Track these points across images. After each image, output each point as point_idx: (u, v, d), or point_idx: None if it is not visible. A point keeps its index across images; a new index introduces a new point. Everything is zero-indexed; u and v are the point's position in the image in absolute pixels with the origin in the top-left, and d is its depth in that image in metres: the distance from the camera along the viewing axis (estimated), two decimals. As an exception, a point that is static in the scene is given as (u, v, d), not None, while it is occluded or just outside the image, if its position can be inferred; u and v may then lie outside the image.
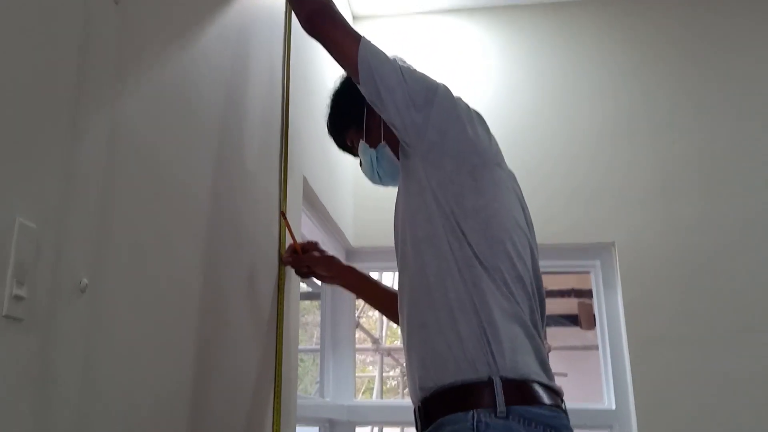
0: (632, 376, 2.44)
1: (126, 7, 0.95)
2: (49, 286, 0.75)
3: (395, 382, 9.29)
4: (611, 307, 2.61)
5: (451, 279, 1.19)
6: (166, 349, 1.05)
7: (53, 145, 0.77)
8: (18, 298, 0.69)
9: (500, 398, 1.09)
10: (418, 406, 1.21)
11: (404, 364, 1.32)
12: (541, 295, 1.29)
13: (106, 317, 0.88)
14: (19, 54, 0.72)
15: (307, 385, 4.49)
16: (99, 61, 0.87)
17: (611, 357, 2.56)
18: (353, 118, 1.51)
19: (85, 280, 0.82)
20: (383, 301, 1.68)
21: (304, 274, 1.71)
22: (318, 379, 3.05)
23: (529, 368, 1.14)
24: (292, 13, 1.75)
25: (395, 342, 8.06)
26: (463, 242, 1.21)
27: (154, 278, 1.02)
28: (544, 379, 1.15)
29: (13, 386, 0.68)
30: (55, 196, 0.77)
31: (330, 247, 2.60)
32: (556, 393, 1.16)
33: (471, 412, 1.09)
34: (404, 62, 1.40)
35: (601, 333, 2.63)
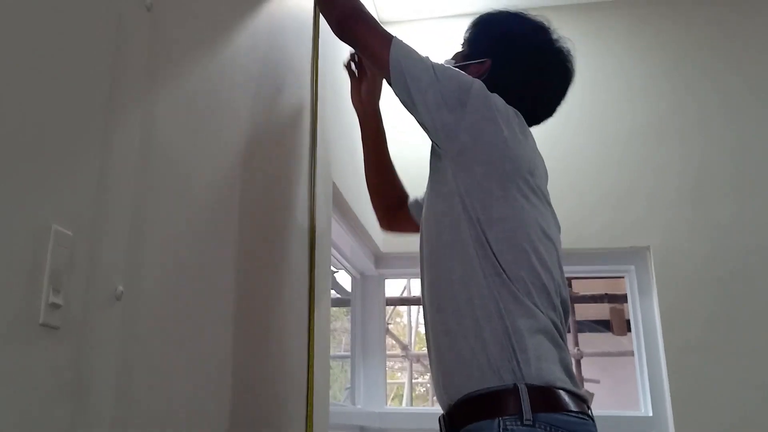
0: (669, 383, 2.39)
1: (158, 14, 0.95)
2: (84, 294, 0.75)
3: (424, 389, 9.25)
4: (647, 313, 2.56)
5: (477, 286, 1.17)
6: (199, 356, 1.05)
7: (87, 153, 0.77)
8: (54, 306, 0.69)
9: (526, 406, 1.06)
10: (443, 414, 1.19)
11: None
12: (565, 304, 1.25)
13: (141, 324, 0.87)
14: (54, 62, 0.72)
15: (336, 391, 4.48)
16: (131, 67, 0.87)
17: (647, 363, 2.51)
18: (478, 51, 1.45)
19: (120, 287, 0.82)
20: (378, 168, 1.66)
21: (354, 72, 1.64)
22: (347, 386, 3.04)
23: (554, 375, 1.11)
24: (321, 17, 1.75)
25: (423, 348, 8.03)
26: (487, 250, 1.18)
27: (188, 285, 1.02)
28: (570, 386, 1.12)
29: (50, 394, 0.68)
30: (89, 203, 0.77)
31: (360, 253, 2.59)
32: (582, 400, 1.14)
33: (497, 420, 1.07)
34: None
35: (636, 339, 2.57)
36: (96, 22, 0.80)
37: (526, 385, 1.08)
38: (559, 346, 1.16)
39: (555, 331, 1.17)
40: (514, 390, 1.08)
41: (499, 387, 1.10)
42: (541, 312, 1.16)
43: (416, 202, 1.60)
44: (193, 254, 1.05)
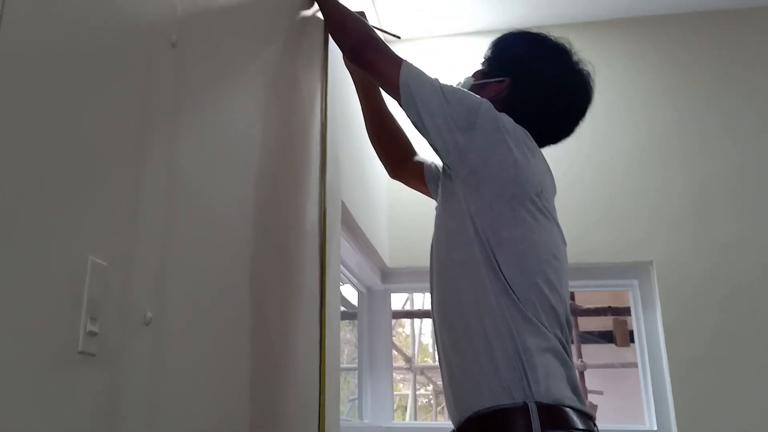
0: (673, 397, 2.41)
1: (181, 50, 0.99)
2: (117, 321, 0.79)
3: (426, 400, 9.25)
4: (650, 327, 2.59)
5: (487, 306, 1.19)
6: (220, 375, 1.08)
7: (119, 187, 0.81)
8: (91, 334, 0.73)
9: (536, 424, 1.09)
10: (453, 430, 1.22)
11: (437, 383, 1.32)
12: (570, 322, 1.28)
13: (169, 348, 0.91)
14: (86, 101, 0.76)
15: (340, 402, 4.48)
16: (158, 102, 0.91)
17: (651, 377, 2.54)
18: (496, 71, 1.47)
19: (149, 314, 0.85)
20: (376, 120, 1.68)
21: None
22: (350, 397, 3.06)
23: (563, 393, 1.14)
24: (330, 43, 1.80)
25: (426, 359, 8.03)
26: (497, 271, 1.20)
27: (209, 306, 1.05)
28: (577, 404, 1.15)
29: (88, 421, 0.72)
30: (122, 234, 0.81)
31: (366, 268, 2.63)
32: (588, 417, 1.17)
33: None
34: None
35: (640, 353, 2.60)
36: (124, 61, 0.84)
37: (536, 403, 1.11)
38: (567, 364, 1.19)
39: (562, 350, 1.19)
40: (524, 408, 1.11)
41: (509, 405, 1.12)
42: (550, 331, 1.19)
43: (432, 167, 1.62)
44: (214, 276, 1.08)
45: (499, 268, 1.20)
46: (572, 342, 1.30)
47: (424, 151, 1.68)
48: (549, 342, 1.18)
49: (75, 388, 0.70)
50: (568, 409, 1.13)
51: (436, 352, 1.45)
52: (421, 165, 1.66)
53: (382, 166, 1.74)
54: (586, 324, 6.13)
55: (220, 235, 1.12)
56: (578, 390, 1.19)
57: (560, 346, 1.19)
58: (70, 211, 0.72)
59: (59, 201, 0.70)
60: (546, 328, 1.18)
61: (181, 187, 0.98)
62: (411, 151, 1.70)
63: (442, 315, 1.28)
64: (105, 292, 0.76)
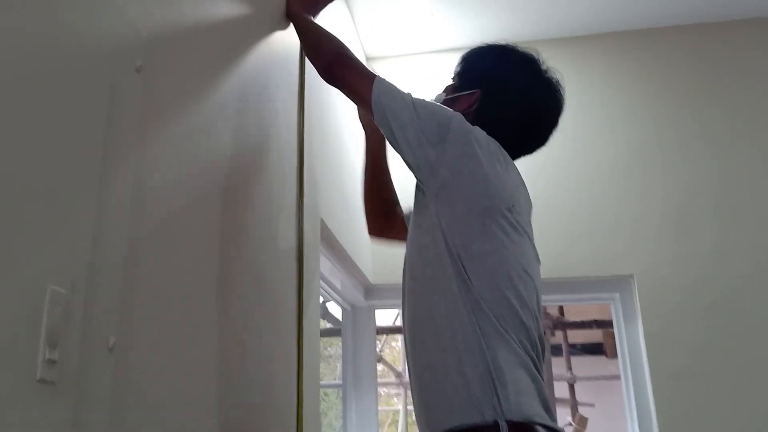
0: (656, 409, 2.42)
1: (147, 74, 0.99)
2: (78, 348, 0.78)
3: (419, 415, 9.20)
4: (632, 340, 2.60)
5: (459, 322, 1.19)
6: (191, 402, 1.08)
7: (81, 212, 0.81)
8: (50, 362, 0.73)
9: None
10: None
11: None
12: (542, 339, 1.28)
13: (134, 374, 0.91)
14: (49, 126, 0.76)
15: (332, 419, 4.48)
16: (123, 128, 0.91)
17: (634, 389, 2.55)
18: (467, 83, 1.51)
19: (112, 339, 0.85)
20: (374, 174, 1.71)
21: None
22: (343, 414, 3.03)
23: (533, 410, 1.14)
24: (306, 62, 1.81)
25: (418, 374, 7.96)
26: (468, 285, 1.20)
27: (178, 327, 1.05)
28: (548, 421, 1.15)
29: (47, 447, 0.71)
30: (84, 261, 0.80)
31: (349, 285, 2.63)
32: None
33: None
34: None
35: (623, 365, 2.62)
36: (88, 86, 0.84)
37: (507, 421, 1.11)
38: (537, 380, 1.19)
39: (533, 366, 1.19)
40: (495, 426, 1.11)
41: (480, 423, 1.12)
42: (521, 348, 1.19)
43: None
44: (182, 300, 1.08)
45: (470, 283, 1.20)
46: (545, 357, 1.29)
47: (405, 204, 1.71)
48: (519, 358, 1.18)
49: (33, 418, 0.70)
50: (539, 427, 1.13)
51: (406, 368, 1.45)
52: (402, 214, 1.69)
53: (363, 192, 1.75)
54: (576, 336, 6.14)
55: (188, 258, 1.12)
56: (549, 407, 1.18)
57: (531, 362, 1.19)
58: (29, 238, 0.72)
59: (17, 228, 0.70)
60: (517, 344, 1.18)
61: (147, 210, 0.98)
62: (396, 209, 1.73)
63: (413, 331, 1.27)
64: (65, 320, 0.76)
